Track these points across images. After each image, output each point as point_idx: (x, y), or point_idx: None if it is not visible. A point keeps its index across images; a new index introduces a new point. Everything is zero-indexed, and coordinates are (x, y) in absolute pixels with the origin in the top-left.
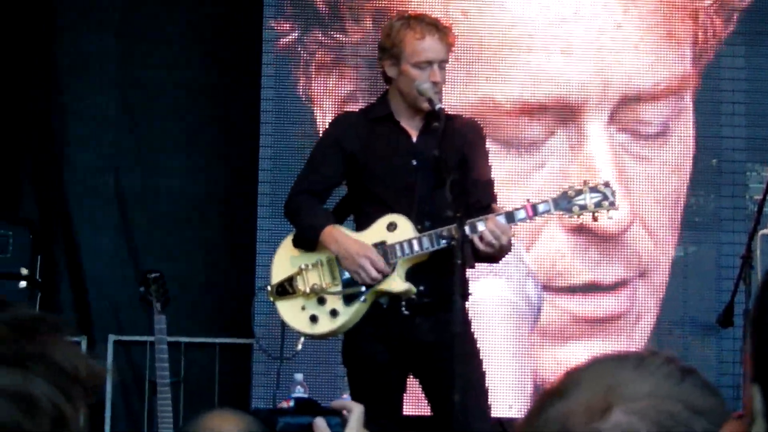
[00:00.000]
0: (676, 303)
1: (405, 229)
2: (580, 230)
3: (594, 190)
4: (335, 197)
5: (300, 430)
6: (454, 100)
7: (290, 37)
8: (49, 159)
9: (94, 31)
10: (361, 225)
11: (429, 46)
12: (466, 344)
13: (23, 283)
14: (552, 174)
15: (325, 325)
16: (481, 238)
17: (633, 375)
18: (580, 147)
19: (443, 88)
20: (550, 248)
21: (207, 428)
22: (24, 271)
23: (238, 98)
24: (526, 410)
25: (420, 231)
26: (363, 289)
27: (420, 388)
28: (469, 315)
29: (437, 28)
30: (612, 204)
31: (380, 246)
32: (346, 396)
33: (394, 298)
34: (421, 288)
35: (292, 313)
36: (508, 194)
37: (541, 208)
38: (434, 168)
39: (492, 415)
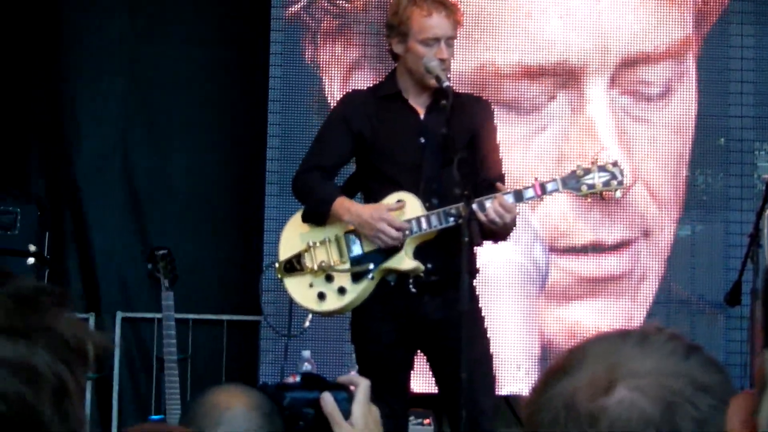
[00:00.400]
0: (683, 281)
1: (413, 206)
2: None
3: (602, 169)
4: (343, 175)
5: (307, 404)
6: (455, 65)
7: (297, 6)
8: (57, 137)
9: (104, 9)
10: (369, 203)
11: (436, 23)
12: (473, 322)
13: (31, 260)
14: (553, 137)
15: (332, 303)
16: (486, 216)
17: (637, 351)
18: (581, 110)
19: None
20: (553, 209)
21: (213, 404)
22: (32, 248)
23: (247, 73)
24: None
25: (428, 209)
26: (371, 266)
27: (428, 366)
28: (477, 291)
29: (444, 5)
30: (621, 183)
31: None
32: (354, 372)
33: (402, 275)
34: (429, 266)
35: (299, 290)
36: (510, 158)
37: (549, 187)
38: (442, 146)
39: (499, 392)
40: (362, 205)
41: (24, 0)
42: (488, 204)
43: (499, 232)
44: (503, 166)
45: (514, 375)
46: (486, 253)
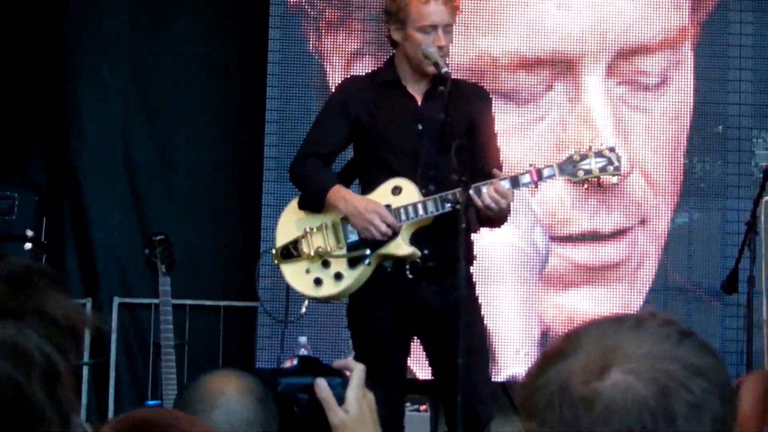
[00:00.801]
0: (680, 269)
1: (410, 192)
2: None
3: (599, 155)
4: (341, 161)
5: (301, 390)
6: (451, 55)
7: None
8: (58, 124)
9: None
10: (366, 189)
11: (434, 10)
12: (470, 309)
13: (28, 245)
14: (551, 126)
15: (329, 288)
16: (481, 202)
17: (631, 336)
18: (579, 99)
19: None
20: (550, 197)
21: (208, 389)
22: (29, 233)
23: (246, 62)
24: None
25: (425, 195)
26: (367, 252)
27: (424, 352)
28: (474, 277)
29: None
30: (617, 169)
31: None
32: (349, 358)
33: (399, 262)
34: (426, 252)
35: (296, 276)
36: (508, 147)
37: (545, 172)
38: (440, 132)
39: (499, 375)
40: (359, 197)
41: None
42: (484, 189)
43: (495, 218)
44: (501, 154)
45: (514, 357)
46: (486, 237)
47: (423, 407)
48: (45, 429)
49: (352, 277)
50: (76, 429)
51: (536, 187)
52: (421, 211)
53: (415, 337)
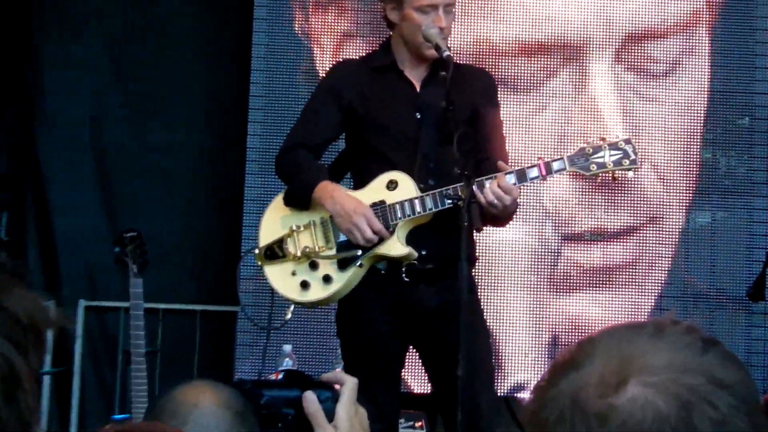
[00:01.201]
0: (702, 274)
1: (406, 187)
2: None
3: (614, 147)
4: (332, 153)
5: (287, 404)
6: (449, 40)
7: None
8: (21, 108)
9: None
10: (359, 183)
11: None
12: (472, 313)
13: None
14: (554, 117)
15: (317, 292)
16: (484, 198)
17: (650, 345)
18: (584, 88)
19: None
20: (553, 193)
21: (181, 401)
22: None
23: (229, 42)
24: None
25: (423, 190)
26: (359, 253)
27: (420, 362)
28: (476, 280)
29: None
30: (633, 162)
31: (379, 206)
32: (339, 369)
33: (394, 263)
34: (423, 252)
35: (281, 278)
36: (508, 139)
37: (555, 166)
38: (440, 121)
39: (505, 381)
40: (348, 195)
41: None
42: (487, 184)
43: (500, 216)
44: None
45: (522, 363)
46: (492, 234)
47: (419, 423)
48: None
49: (342, 280)
50: None
51: (545, 181)
52: (418, 208)
53: (412, 347)
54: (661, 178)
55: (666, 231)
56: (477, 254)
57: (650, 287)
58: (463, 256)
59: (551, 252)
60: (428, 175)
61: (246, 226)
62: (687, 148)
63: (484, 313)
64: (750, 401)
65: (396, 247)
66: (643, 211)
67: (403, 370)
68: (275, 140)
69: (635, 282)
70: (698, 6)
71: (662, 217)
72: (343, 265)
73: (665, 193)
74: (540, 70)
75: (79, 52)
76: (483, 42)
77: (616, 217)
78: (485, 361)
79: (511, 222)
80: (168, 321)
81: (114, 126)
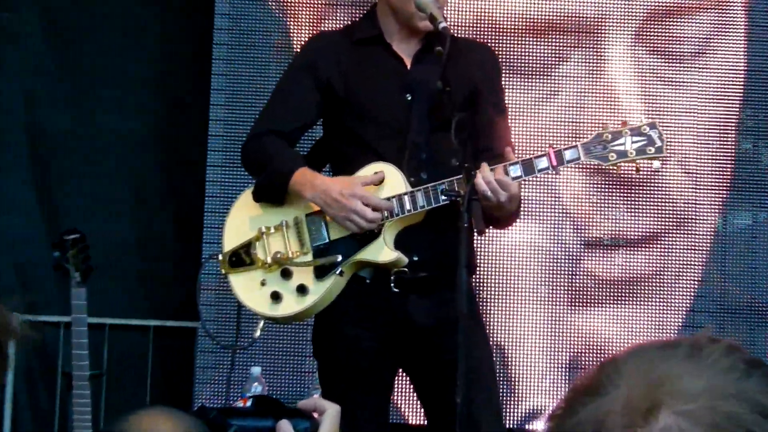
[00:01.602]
0: (741, 283)
1: (394, 181)
2: (599, 170)
3: (637, 132)
4: (307, 141)
5: None
6: (445, 10)
7: None
8: None
9: None
10: (339, 175)
11: None
12: (472, 329)
13: None
14: (565, 105)
15: (290, 306)
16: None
17: (685, 367)
18: (600, 72)
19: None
20: (571, 190)
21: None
22: None
23: (188, 12)
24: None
25: (414, 185)
26: (339, 258)
27: (412, 390)
28: (477, 291)
29: None
30: (659, 150)
31: None
32: (317, 395)
33: (380, 271)
34: (415, 258)
35: (248, 289)
36: (512, 131)
37: (568, 155)
38: (435, 104)
39: (510, 414)
40: (330, 178)
41: None
42: (480, 174)
43: (494, 213)
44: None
45: (537, 386)
46: (501, 238)
47: None
48: None
49: (320, 292)
50: None
51: (556, 173)
52: (408, 206)
53: (402, 371)
54: (690, 174)
55: (697, 235)
56: (479, 261)
57: (680, 300)
58: (462, 262)
59: (570, 259)
60: (420, 168)
61: (207, 227)
62: (721, 138)
63: (490, 330)
64: None
65: (383, 252)
66: (670, 212)
67: (394, 396)
68: (242, 127)
69: (662, 294)
70: None
71: (692, 219)
72: (320, 273)
73: (696, 192)
74: (549, 52)
75: (10, 19)
76: (484, 19)
77: (638, 221)
78: (489, 386)
79: (516, 223)
80: (116, 338)
81: (54, 109)
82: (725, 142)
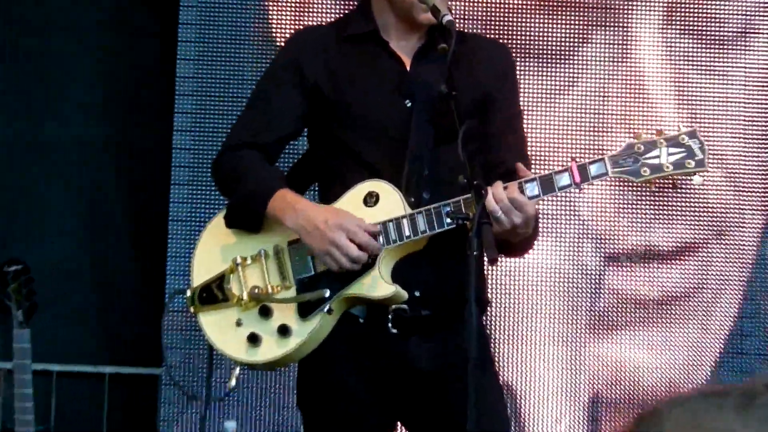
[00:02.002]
0: None
1: (391, 202)
2: None
3: (674, 142)
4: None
5: None
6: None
7: None
8: None
9: None
10: (327, 196)
11: None
12: (483, 374)
13: None
14: (586, 95)
15: (270, 350)
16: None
17: (737, 420)
18: (626, 57)
19: None
20: (592, 201)
21: None
22: None
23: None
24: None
25: (414, 206)
26: (327, 294)
27: None
28: (487, 328)
29: None
30: (700, 164)
31: None
32: None
33: (376, 308)
34: (416, 293)
35: (222, 330)
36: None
37: (593, 170)
38: (439, 111)
39: None
40: (316, 205)
41: None
42: (491, 191)
43: (505, 237)
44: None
45: (553, 429)
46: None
47: None
48: None
49: (305, 333)
50: None
51: (579, 190)
52: (407, 231)
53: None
54: (731, 175)
55: (740, 245)
56: (489, 294)
57: (722, 322)
58: (471, 297)
59: (590, 276)
60: (421, 186)
61: (172, 257)
62: (765, 138)
63: (499, 364)
64: None
65: (378, 285)
66: (708, 220)
67: None
68: (212, 138)
69: (701, 315)
70: None
71: (734, 227)
72: (305, 311)
73: (737, 195)
74: (568, 34)
75: None
76: None
77: (671, 230)
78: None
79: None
80: (65, 387)
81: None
82: None
